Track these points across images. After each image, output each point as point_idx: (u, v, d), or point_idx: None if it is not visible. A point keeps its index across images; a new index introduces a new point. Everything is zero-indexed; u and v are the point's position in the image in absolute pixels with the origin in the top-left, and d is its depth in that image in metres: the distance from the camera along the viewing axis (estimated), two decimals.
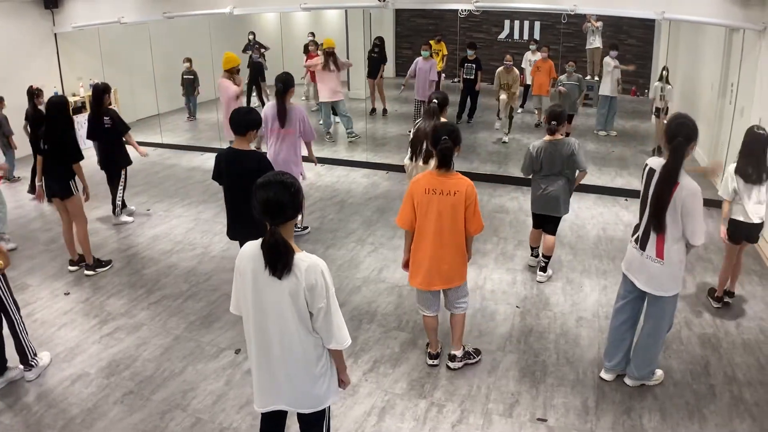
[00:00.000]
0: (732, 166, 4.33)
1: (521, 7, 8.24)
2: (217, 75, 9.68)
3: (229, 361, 4.00)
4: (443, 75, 11.18)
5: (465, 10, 7.72)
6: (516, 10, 11.32)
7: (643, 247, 3.36)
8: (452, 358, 3.85)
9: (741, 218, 4.32)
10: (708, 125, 7.32)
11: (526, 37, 12.31)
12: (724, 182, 4.41)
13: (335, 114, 9.53)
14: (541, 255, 5.06)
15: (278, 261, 2.25)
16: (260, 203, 2.24)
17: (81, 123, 9.26)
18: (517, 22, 12.45)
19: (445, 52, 10.99)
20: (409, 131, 5.11)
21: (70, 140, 5.03)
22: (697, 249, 3.75)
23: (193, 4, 8.36)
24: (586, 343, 4.15)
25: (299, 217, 2.38)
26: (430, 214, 3.50)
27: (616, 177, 7.67)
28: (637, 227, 3.45)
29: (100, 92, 6.17)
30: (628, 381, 3.68)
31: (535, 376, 3.80)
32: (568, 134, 4.73)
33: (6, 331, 3.78)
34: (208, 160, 8.74)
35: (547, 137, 4.68)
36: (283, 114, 5.19)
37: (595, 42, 10.63)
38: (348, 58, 10.35)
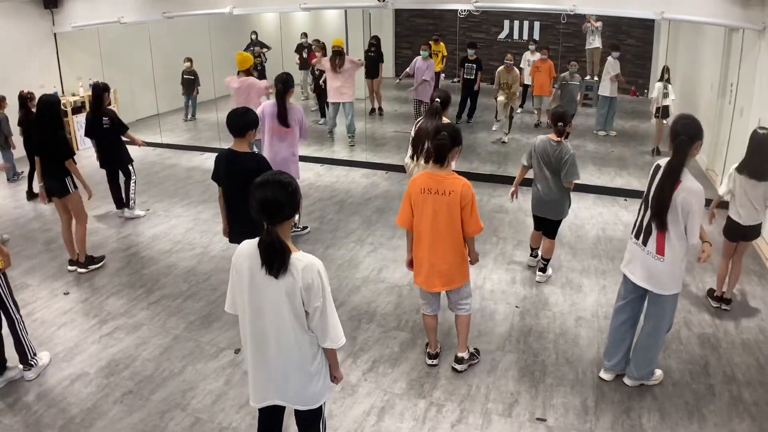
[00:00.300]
0: (733, 167, 4.37)
1: (521, 7, 8.24)
2: (217, 75, 9.74)
3: (228, 361, 4.01)
4: (443, 75, 11.20)
5: (464, 11, 7.71)
6: (515, 10, 11.32)
7: (645, 243, 3.37)
8: (459, 360, 3.85)
9: (735, 217, 4.35)
10: (708, 125, 7.27)
11: (525, 37, 12.31)
12: (725, 181, 4.43)
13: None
14: (540, 256, 5.06)
15: (274, 260, 2.26)
16: (258, 202, 2.25)
17: (81, 123, 9.29)
18: (516, 22, 12.45)
19: (445, 53, 10.99)
20: (411, 131, 5.08)
21: (61, 138, 5.03)
22: (695, 249, 3.74)
23: (193, 4, 8.36)
24: (585, 343, 4.16)
25: (296, 216, 2.39)
26: (426, 213, 3.50)
27: (615, 177, 7.68)
28: (639, 223, 3.44)
29: (101, 91, 6.18)
30: (627, 381, 3.68)
31: (534, 376, 3.80)
32: (567, 134, 4.71)
33: (5, 330, 3.77)
34: (208, 160, 8.76)
35: (554, 136, 4.62)
36: (284, 113, 5.20)
37: (594, 42, 10.64)
38: None
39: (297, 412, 2.58)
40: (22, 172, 8.00)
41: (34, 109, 6.60)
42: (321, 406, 2.57)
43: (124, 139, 6.53)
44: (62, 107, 9.00)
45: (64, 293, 4.98)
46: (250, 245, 2.36)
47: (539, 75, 9.76)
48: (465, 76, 9.91)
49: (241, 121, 3.98)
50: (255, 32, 11.28)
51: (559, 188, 4.70)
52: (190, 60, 10.86)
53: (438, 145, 3.46)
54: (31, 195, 7.38)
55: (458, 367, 3.84)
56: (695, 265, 5.22)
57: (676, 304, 3.53)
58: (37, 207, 7.08)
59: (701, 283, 4.98)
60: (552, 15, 11.11)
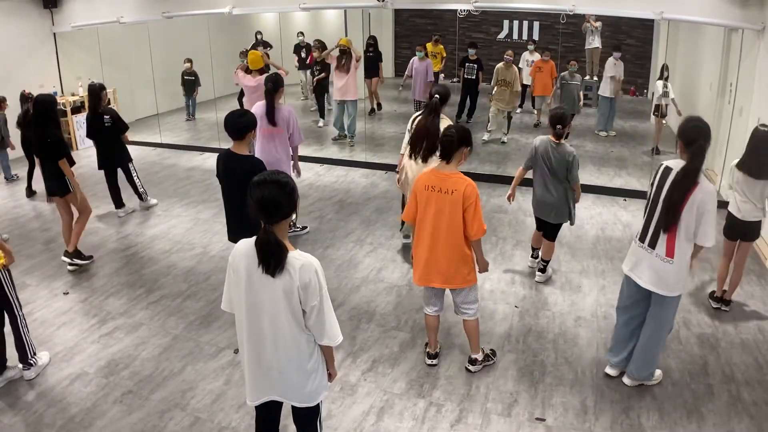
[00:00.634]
0: (734, 162, 4.38)
1: (520, 7, 8.24)
2: (217, 75, 9.75)
3: (228, 361, 4.01)
4: (442, 75, 11.20)
5: (464, 10, 7.72)
6: (515, 10, 11.31)
7: (652, 246, 3.36)
8: (473, 361, 3.84)
9: (734, 212, 4.36)
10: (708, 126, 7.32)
11: (525, 37, 12.31)
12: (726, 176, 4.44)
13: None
14: (540, 257, 5.05)
15: (271, 259, 2.27)
16: (255, 202, 2.25)
17: (80, 123, 9.29)
18: (516, 22, 12.45)
19: (444, 54, 10.99)
20: (409, 128, 5.06)
21: (56, 138, 5.03)
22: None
23: (192, 3, 8.36)
24: (584, 343, 4.16)
25: (294, 216, 2.40)
26: (428, 210, 3.50)
27: (614, 177, 7.68)
28: (645, 227, 3.41)
29: (98, 91, 6.18)
30: (626, 381, 3.68)
31: (533, 376, 3.81)
32: (567, 135, 4.69)
33: (7, 327, 3.78)
34: (207, 160, 8.76)
35: (553, 138, 4.56)
36: (272, 112, 5.20)
37: (594, 42, 10.63)
38: None
39: (294, 411, 2.59)
40: (16, 175, 7.99)
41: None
42: (318, 404, 2.58)
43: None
44: (62, 107, 9.09)
45: (64, 293, 4.98)
46: (247, 244, 2.37)
47: (541, 75, 9.74)
48: (466, 76, 9.90)
49: (240, 123, 3.98)
50: (260, 32, 11.28)
51: (557, 191, 4.63)
52: (190, 60, 10.85)
53: (445, 141, 3.45)
54: (30, 193, 7.38)
55: (472, 368, 3.83)
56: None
57: (678, 305, 3.54)
58: (36, 206, 7.08)
59: (700, 283, 4.99)
60: (551, 15, 11.11)
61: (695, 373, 3.82)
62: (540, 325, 4.39)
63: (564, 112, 4.58)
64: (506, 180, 7.57)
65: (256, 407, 2.64)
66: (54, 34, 9.65)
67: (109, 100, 9.55)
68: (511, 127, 9.55)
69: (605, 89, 9.34)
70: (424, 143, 4.76)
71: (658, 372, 3.72)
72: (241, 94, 10.64)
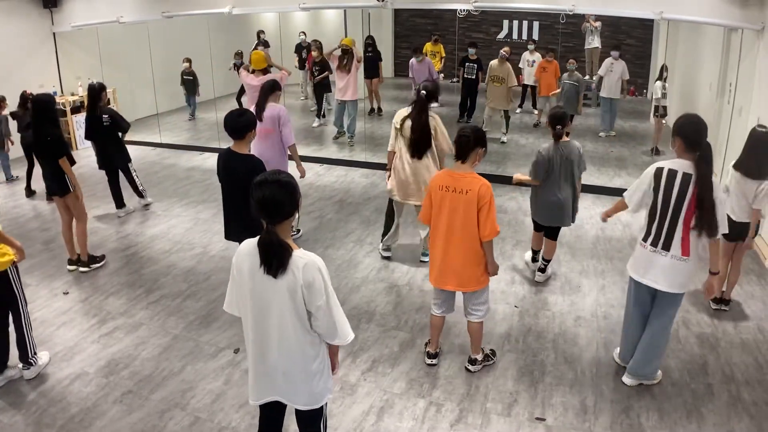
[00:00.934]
0: (732, 163, 4.36)
1: (520, 7, 8.23)
2: (216, 75, 9.75)
3: (227, 361, 4.01)
4: (442, 75, 11.20)
5: (464, 10, 7.71)
6: (515, 10, 11.32)
7: (667, 248, 3.34)
8: (472, 361, 3.84)
9: (729, 212, 4.33)
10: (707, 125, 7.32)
11: (524, 37, 12.31)
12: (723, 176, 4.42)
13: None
14: (541, 258, 5.04)
15: (273, 259, 2.26)
16: (257, 202, 2.25)
17: (80, 123, 9.29)
18: (515, 22, 12.45)
19: (443, 54, 10.99)
20: (395, 124, 5.01)
21: (55, 137, 5.03)
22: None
23: (192, 3, 8.35)
24: (584, 343, 4.16)
25: (296, 215, 2.39)
26: (443, 211, 3.50)
27: (614, 177, 7.69)
28: (657, 231, 3.38)
29: (97, 91, 6.17)
30: (627, 380, 3.67)
31: (533, 376, 3.81)
32: (567, 134, 4.68)
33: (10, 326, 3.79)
34: (207, 160, 8.76)
35: (553, 141, 4.53)
36: (260, 109, 5.21)
37: (593, 42, 10.64)
38: None
39: (297, 412, 2.58)
40: (16, 176, 7.99)
41: None
42: (322, 407, 2.56)
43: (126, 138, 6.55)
44: (61, 107, 9.10)
45: (64, 293, 4.98)
46: (251, 244, 2.36)
47: (545, 76, 9.73)
48: (465, 76, 9.92)
49: (239, 123, 3.98)
50: (262, 31, 11.27)
51: (566, 191, 4.62)
52: (188, 60, 10.85)
53: (461, 141, 3.45)
54: (30, 193, 7.38)
55: (472, 368, 3.83)
56: None
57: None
58: (36, 206, 7.08)
59: (699, 282, 4.98)
60: (551, 15, 11.10)
61: (695, 373, 3.82)
62: (540, 325, 4.39)
63: (564, 113, 4.57)
64: (505, 180, 7.56)
65: (261, 407, 2.63)
66: (54, 33, 9.65)
67: (109, 99, 9.58)
68: (511, 127, 9.55)
69: (604, 89, 9.34)
70: (414, 141, 4.79)
71: (658, 372, 3.72)
72: (240, 94, 10.65)
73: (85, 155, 8.86)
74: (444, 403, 3.55)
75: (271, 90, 5.26)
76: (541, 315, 4.53)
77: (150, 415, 3.49)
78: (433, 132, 4.83)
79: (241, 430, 3.36)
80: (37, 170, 6.15)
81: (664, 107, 8.27)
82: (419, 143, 4.80)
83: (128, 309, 4.71)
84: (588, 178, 7.36)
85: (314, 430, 2.64)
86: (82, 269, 5.31)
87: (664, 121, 8.37)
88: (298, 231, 6.08)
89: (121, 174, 6.66)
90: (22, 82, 8.11)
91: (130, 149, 6.61)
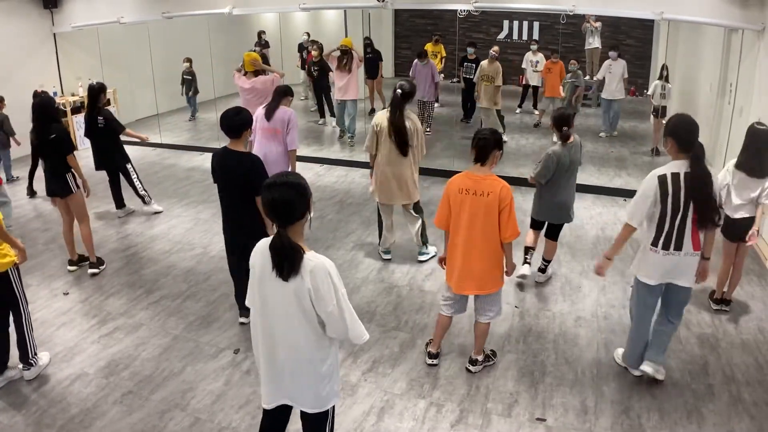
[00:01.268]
0: (731, 162, 4.33)
1: (520, 7, 8.23)
2: (217, 75, 9.74)
3: (228, 361, 4.01)
4: (442, 75, 11.20)
5: (464, 11, 7.71)
6: (515, 11, 11.31)
7: (679, 248, 3.35)
8: (474, 362, 3.84)
9: (729, 213, 4.33)
10: (707, 125, 7.32)
11: (525, 37, 12.31)
12: (721, 176, 4.38)
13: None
14: (542, 258, 5.02)
15: (285, 262, 2.25)
16: (267, 204, 2.24)
17: (80, 123, 9.29)
18: (516, 23, 12.45)
19: (444, 54, 11.00)
20: (373, 125, 5.04)
21: (60, 135, 5.03)
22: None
23: (193, 4, 8.36)
24: (584, 343, 4.16)
25: (308, 216, 2.36)
26: (462, 214, 3.48)
27: (614, 177, 7.68)
28: (667, 234, 3.36)
29: (96, 92, 6.17)
30: (648, 368, 3.58)
31: (533, 376, 3.81)
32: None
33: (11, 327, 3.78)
34: (207, 160, 8.62)
35: (560, 143, 4.48)
36: (272, 109, 5.23)
37: (594, 42, 10.63)
38: None
39: (303, 414, 2.55)
40: (17, 177, 7.99)
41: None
42: (329, 410, 2.53)
43: (127, 138, 6.52)
44: (62, 107, 9.09)
45: (64, 293, 4.98)
46: (266, 243, 2.35)
47: (551, 76, 9.73)
48: (464, 76, 9.92)
49: (235, 122, 3.97)
50: (263, 31, 11.27)
51: (570, 188, 4.63)
52: (189, 60, 10.85)
53: (481, 143, 3.45)
54: (31, 193, 7.37)
55: (473, 368, 3.83)
56: None
57: None
58: (37, 207, 7.08)
59: (700, 283, 4.97)
60: (551, 15, 11.09)
61: (695, 374, 3.82)
62: (540, 326, 4.39)
63: (569, 114, 4.52)
64: (504, 180, 7.57)
65: (266, 409, 2.61)
66: (54, 34, 9.64)
67: (109, 100, 9.58)
68: (511, 127, 9.55)
69: (605, 91, 9.32)
70: (392, 137, 4.84)
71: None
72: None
73: (85, 155, 8.84)
74: (444, 404, 3.55)
75: (284, 94, 5.33)
76: (541, 315, 4.53)
77: (150, 415, 3.49)
78: (411, 134, 4.89)
79: (242, 431, 3.36)
80: (38, 171, 6.16)
81: (664, 107, 8.26)
82: (398, 143, 4.86)
83: (128, 309, 4.71)
84: (588, 178, 7.38)
85: None
86: (92, 270, 5.29)
87: (664, 122, 8.36)
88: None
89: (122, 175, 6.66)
90: (22, 83, 8.11)
91: (130, 149, 6.59)
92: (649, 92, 8.55)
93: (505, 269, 3.65)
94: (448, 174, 7.63)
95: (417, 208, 5.26)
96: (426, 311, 4.58)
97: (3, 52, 8.71)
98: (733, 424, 3.36)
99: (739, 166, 4.25)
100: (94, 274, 5.27)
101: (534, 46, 10.60)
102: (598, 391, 3.66)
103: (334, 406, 2.57)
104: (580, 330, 4.33)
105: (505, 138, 9.25)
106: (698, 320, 4.44)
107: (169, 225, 6.45)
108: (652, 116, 8.63)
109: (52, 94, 8.55)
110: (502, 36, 12.68)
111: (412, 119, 4.90)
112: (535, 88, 10.67)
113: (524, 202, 6.62)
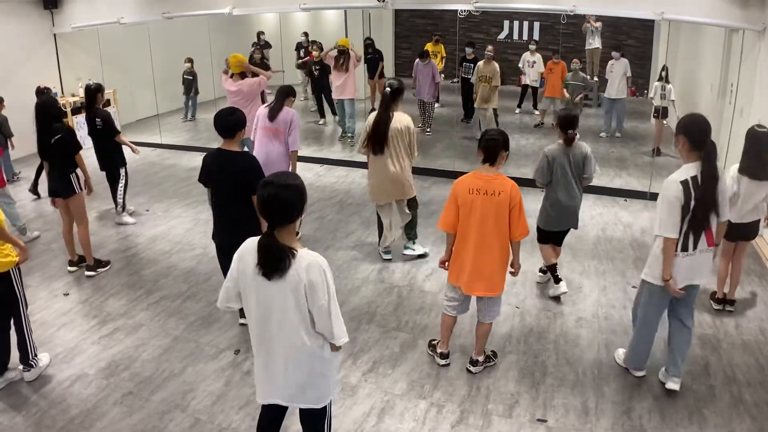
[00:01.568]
0: (734, 167, 4.30)
1: (520, 7, 8.23)
2: (217, 75, 9.72)
3: (228, 362, 4.00)
4: (442, 75, 11.20)
5: (464, 11, 7.72)
6: (515, 11, 11.32)
7: (696, 246, 3.33)
8: (474, 363, 3.83)
9: (731, 218, 4.30)
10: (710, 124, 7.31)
11: (525, 37, 12.31)
12: (728, 184, 4.34)
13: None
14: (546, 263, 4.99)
15: (269, 263, 2.26)
16: (262, 202, 2.24)
17: (80, 123, 9.28)
18: (516, 23, 12.46)
19: (444, 54, 11.00)
20: (367, 124, 5.09)
21: (65, 136, 5.02)
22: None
23: (193, 4, 8.36)
24: (585, 344, 4.15)
25: (298, 222, 2.38)
26: (473, 215, 3.47)
27: (615, 177, 7.68)
28: (685, 236, 3.31)
29: (94, 92, 6.15)
30: (676, 385, 3.55)
31: (534, 377, 3.80)
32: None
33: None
34: None
35: (564, 145, 4.41)
36: (276, 110, 5.25)
37: (594, 43, 10.63)
38: None
39: (301, 412, 2.56)
40: (17, 175, 7.98)
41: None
42: (326, 406, 2.55)
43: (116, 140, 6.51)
44: (62, 107, 9.07)
45: (64, 294, 4.98)
46: (253, 243, 2.36)
47: (552, 77, 9.73)
48: (463, 76, 9.93)
49: (229, 122, 3.99)
50: (262, 32, 11.27)
51: (578, 192, 4.55)
52: (190, 60, 10.85)
53: (489, 143, 3.46)
54: (35, 191, 7.35)
55: (473, 369, 3.83)
56: None
57: None
58: (38, 207, 7.08)
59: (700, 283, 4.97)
60: (552, 15, 11.11)
61: (696, 374, 3.81)
62: (541, 326, 4.38)
63: (575, 115, 4.46)
64: None
65: (263, 405, 2.63)
66: (54, 35, 9.64)
67: (109, 100, 9.57)
68: (511, 128, 9.54)
69: (607, 90, 9.32)
70: (379, 137, 4.90)
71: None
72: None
73: (85, 156, 8.83)
74: (445, 404, 3.54)
75: (287, 94, 5.36)
76: (542, 316, 4.52)
77: (150, 416, 3.49)
78: (408, 134, 4.94)
79: (242, 431, 3.36)
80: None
81: (665, 108, 8.25)
82: (380, 138, 4.93)
83: (128, 310, 4.70)
84: None
85: (319, 429, 2.62)
86: (88, 273, 5.28)
87: (665, 122, 8.36)
88: (297, 233, 6.06)
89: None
90: (22, 84, 8.09)
91: (128, 150, 6.57)
92: (651, 94, 8.55)
93: (511, 269, 3.65)
94: (448, 174, 7.65)
95: (412, 204, 5.26)
96: (426, 311, 4.58)
97: (3, 53, 8.71)
98: (734, 426, 3.35)
99: (742, 170, 4.20)
100: (90, 276, 5.27)
101: (532, 46, 10.60)
102: (599, 391, 3.65)
103: (331, 402, 2.59)
104: (581, 331, 4.32)
105: None
106: (699, 321, 4.43)
107: (169, 225, 6.45)
108: (653, 117, 8.62)
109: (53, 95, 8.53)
110: (502, 36, 12.68)
111: (400, 120, 4.92)
112: (534, 88, 10.67)
113: (525, 203, 6.62)
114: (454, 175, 6.64)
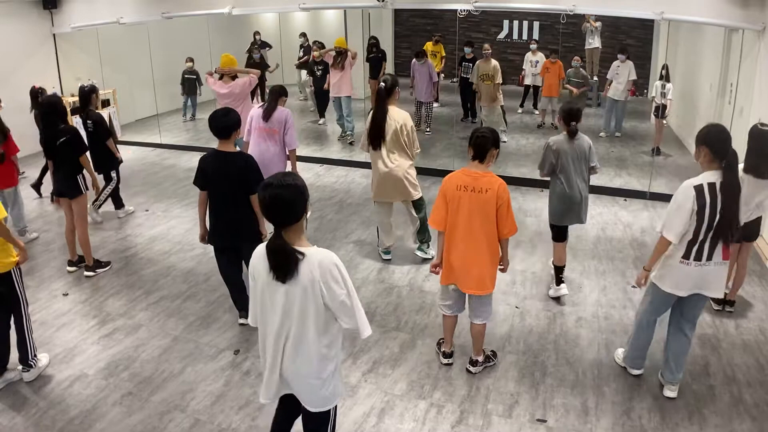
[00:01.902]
0: (739, 167, 4.27)
1: (520, 7, 8.24)
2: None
3: (228, 362, 4.00)
4: (442, 75, 11.20)
5: (464, 10, 7.71)
6: (515, 11, 11.32)
7: (711, 257, 3.30)
8: (474, 363, 3.83)
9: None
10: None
11: (525, 37, 12.31)
12: None
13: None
14: (552, 264, 4.96)
15: (279, 265, 2.26)
16: (266, 205, 2.24)
17: (79, 124, 9.28)
18: (516, 22, 12.45)
19: (443, 54, 11.00)
20: (366, 123, 5.15)
21: (71, 136, 5.02)
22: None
23: (192, 4, 8.35)
24: (585, 344, 4.15)
25: (305, 217, 2.37)
26: (461, 211, 3.47)
27: (615, 177, 7.68)
28: (700, 245, 3.27)
29: (87, 94, 6.14)
30: (673, 393, 3.56)
31: (534, 377, 3.80)
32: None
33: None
34: None
35: (567, 137, 4.39)
36: (270, 110, 5.24)
37: (594, 42, 10.63)
38: None
39: (305, 414, 2.55)
40: (23, 172, 7.97)
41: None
42: (330, 410, 2.54)
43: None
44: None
45: (64, 294, 4.97)
46: (263, 249, 2.37)
47: (549, 76, 9.73)
48: (462, 75, 9.93)
49: (224, 123, 3.98)
50: (258, 32, 11.27)
51: (583, 185, 4.50)
52: (191, 60, 10.85)
53: (479, 141, 3.45)
54: (37, 189, 7.34)
55: (472, 369, 3.82)
56: None
57: None
58: (38, 206, 7.07)
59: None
60: (551, 15, 11.09)
61: (697, 374, 3.81)
62: (541, 326, 4.38)
63: (578, 108, 4.42)
64: (505, 180, 7.56)
65: (277, 407, 2.62)
66: (54, 35, 9.64)
67: (108, 100, 9.57)
68: (512, 128, 9.53)
69: (609, 91, 9.30)
70: (376, 131, 4.95)
71: None
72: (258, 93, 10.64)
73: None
74: (445, 405, 3.54)
75: (280, 94, 5.38)
76: (542, 316, 4.52)
77: (150, 416, 3.48)
78: (405, 130, 4.96)
79: None
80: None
81: (664, 107, 8.25)
82: (378, 132, 4.97)
83: (128, 310, 4.70)
84: None
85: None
86: (87, 273, 5.28)
87: (665, 122, 8.36)
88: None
89: (123, 177, 6.63)
90: (22, 83, 8.08)
91: (130, 150, 6.57)
92: (652, 94, 8.55)
93: (500, 266, 3.65)
94: (448, 174, 7.64)
95: (418, 206, 5.24)
96: (426, 312, 4.58)
97: (2, 53, 8.71)
98: (734, 426, 3.35)
99: (747, 170, 4.16)
100: (89, 276, 5.26)
101: (533, 46, 10.60)
102: (599, 391, 3.65)
103: (336, 406, 2.58)
104: (581, 330, 4.32)
105: (504, 138, 9.27)
106: (699, 321, 4.40)
107: (169, 226, 6.44)
108: (653, 116, 8.62)
109: (59, 95, 8.52)
110: (502, 36, 12.68)
111: (396, 118, 4.93)
112: (536, 88, 10.67)
113: (524, 203, 6.63)
114: None
